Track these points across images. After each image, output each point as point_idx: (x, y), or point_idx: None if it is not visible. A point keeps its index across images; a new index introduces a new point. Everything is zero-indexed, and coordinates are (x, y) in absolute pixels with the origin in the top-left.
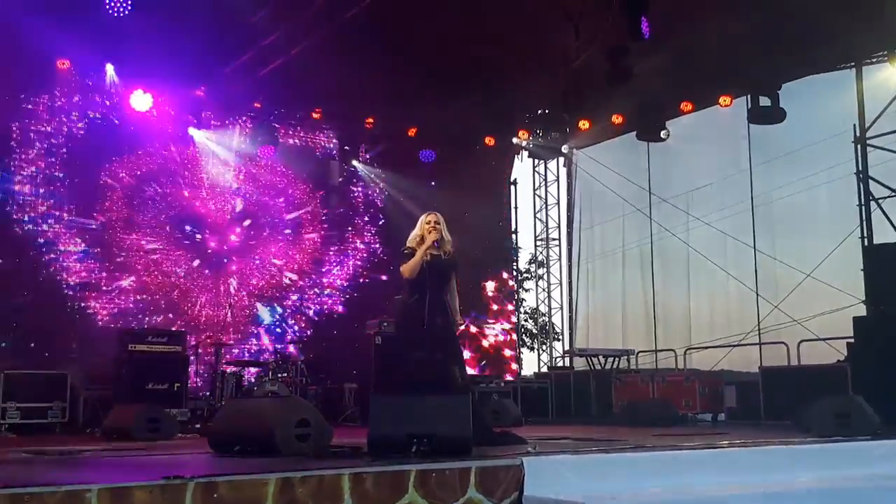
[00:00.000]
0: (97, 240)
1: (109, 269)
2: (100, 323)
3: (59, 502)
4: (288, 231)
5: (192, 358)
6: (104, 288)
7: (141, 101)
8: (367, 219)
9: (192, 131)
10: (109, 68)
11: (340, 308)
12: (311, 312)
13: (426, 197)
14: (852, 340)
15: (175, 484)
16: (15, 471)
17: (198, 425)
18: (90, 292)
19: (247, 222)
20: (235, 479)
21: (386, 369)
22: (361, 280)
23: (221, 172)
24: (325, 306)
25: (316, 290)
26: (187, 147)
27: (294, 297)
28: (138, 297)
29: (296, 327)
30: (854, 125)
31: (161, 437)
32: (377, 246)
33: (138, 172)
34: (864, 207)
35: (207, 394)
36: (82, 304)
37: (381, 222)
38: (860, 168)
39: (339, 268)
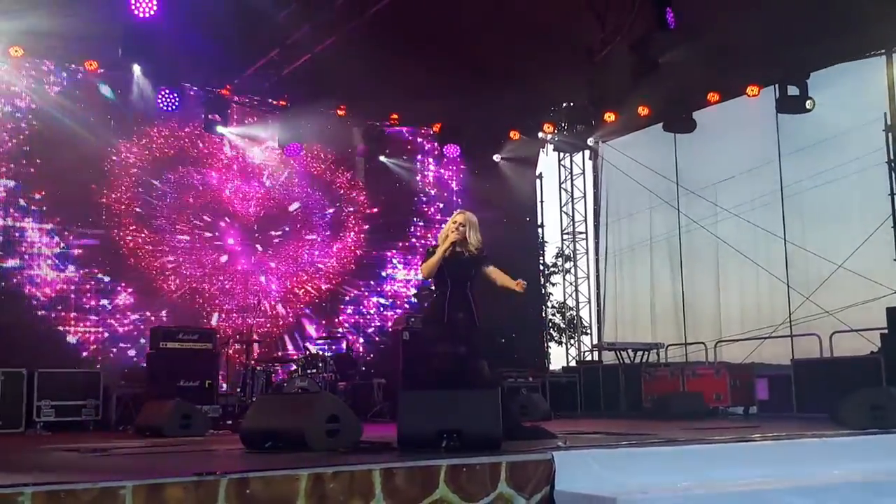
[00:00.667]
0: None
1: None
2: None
3: (95, 499)
4: (318, 230)
5: (222, 355)
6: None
7: (168, 99)
8: (388, 216)
9: (219, 129)
10: (136, 69)
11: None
12: (343, 310)
13: (450, 192)
14: (886, 331)
15: (208, 480)
16: (51, 468)
17: (229, 422)
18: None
19: (281, 217)
20: (267, 475)
21: (412, 364)
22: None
23: (248, 170)
24: (357, 304)
25: (346, 286)
26: (213, 145)
27: (322, 295)
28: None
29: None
30: (885, 113)
31: (193, 433)
32: (406, 241)
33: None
34: (895, 196)
35: (238, 390)
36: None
37: (409, 220)
38: (891, 157)
39: (371, 267)
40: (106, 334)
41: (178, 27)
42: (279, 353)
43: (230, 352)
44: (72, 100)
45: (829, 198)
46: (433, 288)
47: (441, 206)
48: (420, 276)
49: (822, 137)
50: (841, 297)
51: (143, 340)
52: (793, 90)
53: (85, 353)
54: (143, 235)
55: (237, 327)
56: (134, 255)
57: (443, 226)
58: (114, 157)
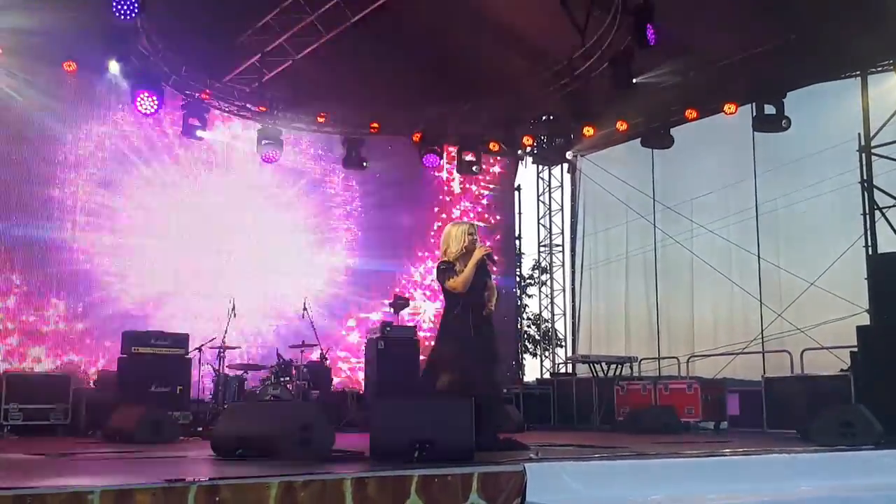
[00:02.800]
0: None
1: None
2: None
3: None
4: (293, 235)
5: (194, 361)
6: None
7: (147, 103)
8: (367, 224)
9: (198, 133)
10: (113, 66)
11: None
12: (314, 317)
13: (428, 202)
14: (856, 350)
15: (177, 487)
16: (18, 472)
17: (200, 428)
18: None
19: (257, 222)
20: (238, 483)
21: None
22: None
23: (227, 175)
24: (329, 311)
25: (319, 294)
26: (192, 150)
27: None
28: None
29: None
30: (859, 134)
31: (163, 439)
32: (383, 250)
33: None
34: (868, 216)
35: (210, 397)
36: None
37: (383, 228)
38: (864, 177)
39: (341, 273)
40: (77, 337)
41: (159, 30)
42: (252, 361)
43: (202, 358)
44: (56, 100)
45: (803, 216)
46: (452, 304)
47: (420, 215)
48: (457, 291)
49: (798, 156)
50: (813, 314)
51: (109, 344)
52: (769, 109)
53: (54, 357)
54: (113, 237)
55: (209, 333)
56: (105, 255)
57: (435, 236)
58: (80, 153)
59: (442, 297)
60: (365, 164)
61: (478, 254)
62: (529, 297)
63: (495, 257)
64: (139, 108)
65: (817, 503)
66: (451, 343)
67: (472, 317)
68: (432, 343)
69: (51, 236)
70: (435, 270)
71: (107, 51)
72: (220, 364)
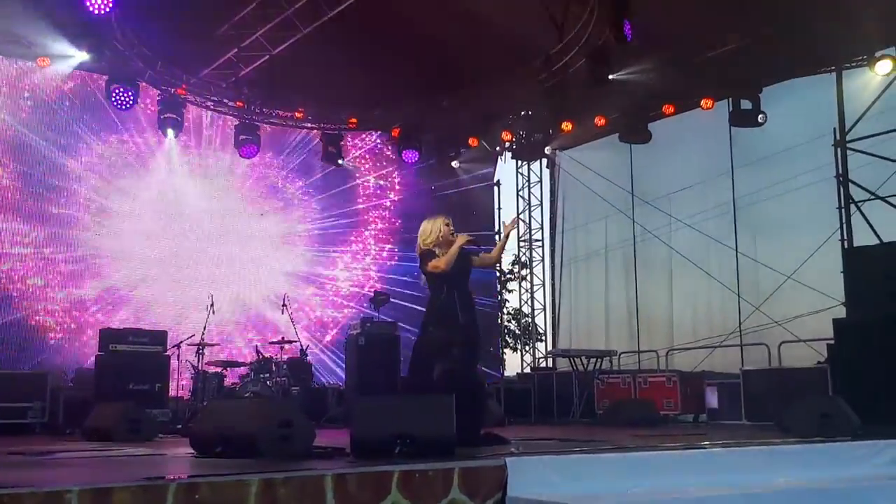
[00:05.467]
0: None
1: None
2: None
3: (40, 503)
4: (273, 232)
5: (173, 358)
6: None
7: (123, 98)
8: (347, 220)
9: (173, 128)
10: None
11: (327, 310)
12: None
13: (409, 198)
14: (832, 342)
15: (156, 485)
16: None
17: (179, 426)
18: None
19: (234, 217)
20: (217, 481)
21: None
22: (344, 280)
23: (203, 171)
24: (310, 308)
25: (300, 291)
26: (166, 144)
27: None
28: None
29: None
30: (834, 129)
31: (142, 437)
32: (359, 245)
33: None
34: (843, 210)
35: (189, 394)
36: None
37: (365, 224)
38: (840, 171)
39: (323, 269)
40: (55, 336)
41: (135, 25)
42: (231, 357)
43: (181, 355)
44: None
45: (780, 210)
46: (436, 289)
47: (398, 211)
48: (440, 269)
49: (774, 151)
50: (790, 307)
51: (90, 342)
52: (746, 104)
53: (31, 354)
54: (94, 236)
55: (188, 330)
56: (83, 255)
57: (430, 232)
58: (73, 153)
59: (427, 287)
60: (341, 161)
61: (461, 239)
62: (510, 291)
63: (477, 245)
64: (114, 103)
65: (795, 495)
66: (439, 329)
67: (458, 302)
68: (418, 332)
69: None
70: (418, 260)
71: (82, 45)
72: (199, 361)
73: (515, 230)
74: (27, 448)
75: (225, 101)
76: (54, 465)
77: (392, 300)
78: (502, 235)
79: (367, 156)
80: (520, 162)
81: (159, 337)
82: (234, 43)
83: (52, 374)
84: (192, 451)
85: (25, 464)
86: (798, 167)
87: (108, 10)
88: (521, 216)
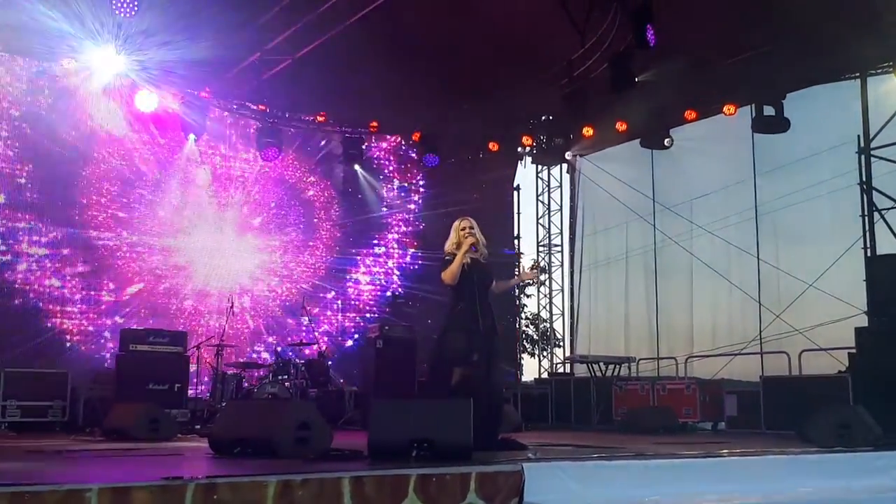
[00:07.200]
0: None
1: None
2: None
3: (60, 502)
4: (293, 235)
5: (192, 359)
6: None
7: (146, 101)
8: (369, 224)
9: (195, 131)
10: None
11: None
12: (314, 316)
13: (431, 202)
14: (854, 351)
15: (175, 485)
16: (15, 469)
17: (197, 426)
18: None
19: (255, 221)
20: (235, 481)
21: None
22: (366, 284)
23: (225, 174)
24: (330, 311)
25: (320, 294)
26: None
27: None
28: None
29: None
30: (858, 136)
31: (161, 437)
32: (382, 248)
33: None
34: (867, 218)
35: (208, 395)
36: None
37: (387, 227)
38: (863, 178)
39: (344, 272)
40: (75, 336)
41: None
42: (250, 359)
43: (201, 356)
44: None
45: (802, 217)
46: (456, 295)
47: (418, 214)
48: (445, 282)
49: (797, 158)
50: (811, 315)
51: (110, 342)
52: (769, 110)
53: (53, 354)
54: (115, 237)
55: (208, 331)
56: (107, 256)
57: (451, 235)
58: (94, 156)
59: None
60: (357, 164)
61: (465, 245)
62: (528, 297)
63: (476, 248)
64: (138, 106)
65: None
66: (459, 334)
67: (479, 308)
68: (437, 337)
69: None
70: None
71: (105, 47)
72: (217, 362)
73: (535, 235)
74: (47, 446)
75: (248, 104)
76: (74, 463)
77: (414, 304)
78: (518, 277)
79: (390, 158)
80: (540, 166)
81: (179, 337)
82: (257, 47)
83: (73, 374)
84: (211, 452)
85: (46, 462)
86: (821, 174)
87: (133, 12)
88: (540, 221)
